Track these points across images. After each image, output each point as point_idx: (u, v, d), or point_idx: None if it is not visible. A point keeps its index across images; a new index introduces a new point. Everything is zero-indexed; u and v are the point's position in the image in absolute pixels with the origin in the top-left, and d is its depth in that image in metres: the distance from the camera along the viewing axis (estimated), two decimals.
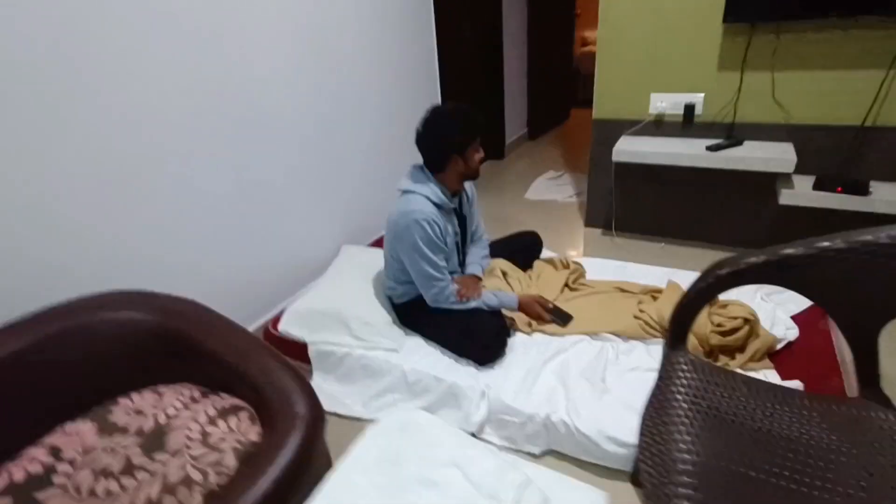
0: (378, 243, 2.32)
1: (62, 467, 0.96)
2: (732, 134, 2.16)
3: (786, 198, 1.99)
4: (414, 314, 1.71)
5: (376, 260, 1.90)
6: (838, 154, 2.02)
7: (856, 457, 0.81)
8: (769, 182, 2.13)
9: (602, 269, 2.02)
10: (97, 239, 1.32)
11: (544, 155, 4.05)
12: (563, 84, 4.89)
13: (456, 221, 1.69)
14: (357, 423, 1.53)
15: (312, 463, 0.99)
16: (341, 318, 1.68)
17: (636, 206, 2.50)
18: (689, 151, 2.12)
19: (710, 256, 2.20)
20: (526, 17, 4.05)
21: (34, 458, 0.96)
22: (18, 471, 0.94)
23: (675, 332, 1.02)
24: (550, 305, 1.70)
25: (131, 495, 0.90)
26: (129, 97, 1.35)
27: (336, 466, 0.95)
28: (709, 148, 2.10)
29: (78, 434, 1.03)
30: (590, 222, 2.69)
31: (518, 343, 1.62)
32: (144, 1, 1.34)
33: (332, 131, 2.13)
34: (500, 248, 1.98)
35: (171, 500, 0.90)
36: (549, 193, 3.19)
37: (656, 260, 2.29)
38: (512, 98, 4.05)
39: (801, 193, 1.97)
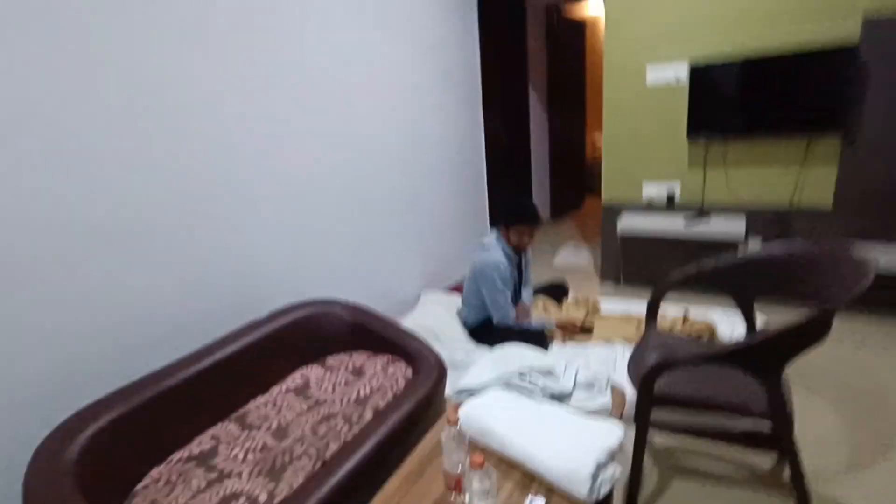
0: (455, 289, 3.16)
1: (313, 383, 1.76)
2: (702, 211, 3.03)
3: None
4: (482, 331, 2.51)
5: (453, 301, 2.74)
6: (777, 223, 2.85)
7: None
8: (732, 244, 2.95)
9: (611, 306, 2.81)
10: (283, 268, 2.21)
11: (565, 232, 4.96)
12: (577, 176, 5.93)
13: (516, 272, 2.54)
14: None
15: (442, 387, 1.76)
16: (434, 334, 2.48)
17: (637, 263, 3.32)
18: (672, 226, 2.99)
19: (687, 299, 2.97)
20: (547, 126, 5.17)
21: (299, 376, 1.78)
22: (295, 379, 1.75)
23: (649, 315, 1.82)
24: (578, 325, 2.49)
25: (336, 400, 1.69)
26: (300, 164, 2.30)
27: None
28: (686, 222, 2.96)
29: (313, 371, 1.84)
30: (604, 277, 3.50)
31: (555, 349, 2.39)
32: (301, 73, 2.34)
33: (419, 196, 3.06)
34: (541, 291, 2.81)
35: (358, 406, 1.68)
36: (571, 260, 4.04)
37: None
38: (538, 188, 5.06)
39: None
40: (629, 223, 3.14)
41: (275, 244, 2.10)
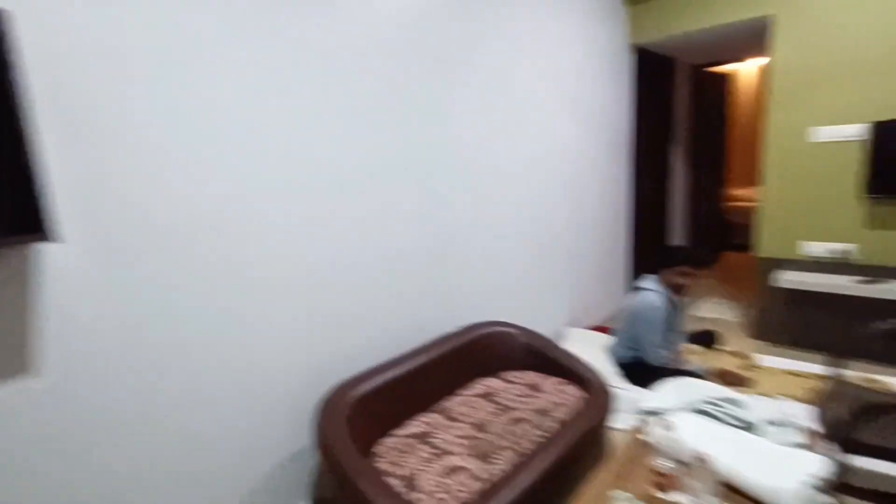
0: (597, 328, 3.30)
1: (496, 391, 2.03)
2: (876, 274, 2.86)
3: None
4: (636, 370, 2.60)
5: (596, 339, 2.90)
6: None
7: None
8: None
9: (768, 362, 2.75)
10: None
11: (705, 287, 4.83)
12: (715, 231, 5.75)
13: (671, 315, 2.63)
14: None
15: (612, 408, 1.91)
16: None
17: (797, 324, 3.18)
18: (841, 285, 2.86)
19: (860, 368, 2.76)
20: (687, 180, 5.17)
21: (482, 385, 2.05)
22: (480, 387, 2.03)
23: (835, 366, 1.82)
24: (740, 377, 2.48)
25: (522, 407, 1.91)
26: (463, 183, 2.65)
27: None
28: (860, 282, 2.83)
29: (493, 382, 2.11)
30: (756, 335, 3.39)
31: None
32: (511, 143, 2.70)
33: (575, 242, 3.30)
34: (692, 338, 2.85)
35: (544, 416, 1.88)
36: (716, 313, 3.95)
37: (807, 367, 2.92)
38: (677, 239, 5.03)
39: None
40: (791, 278, 3.06)
41: (467, 273, 2.48)
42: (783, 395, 2.38)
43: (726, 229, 6.03)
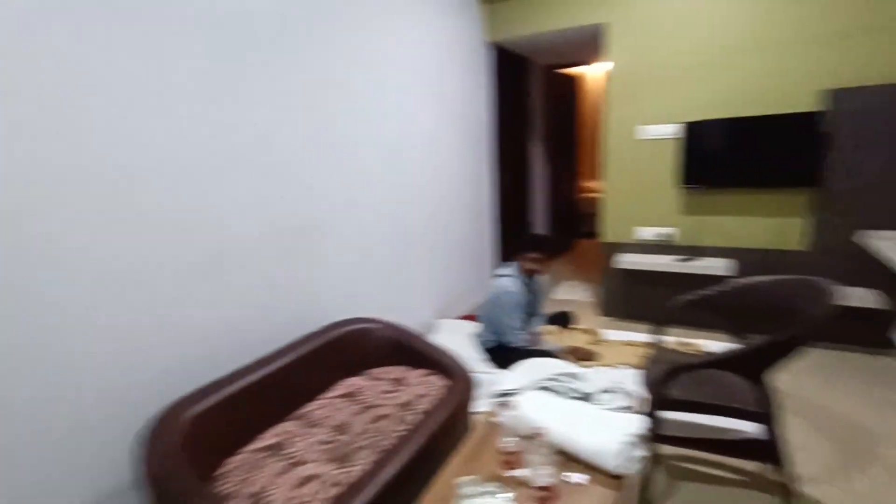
0: (465, 318, 3.41)
1: (360, 390, 1.97)
2: (692, 252, 3.37)
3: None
4: (499, 354, 2.74)
5: (465, 328, 2.99)
6: (759, 265, 3.19)
7: None
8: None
9: (613, 334, 3.08)
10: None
11: (560, 271, 5.27)
12: (569, 221, 6.32)
13: (529, 299, 2.81)
14: None
15: (474, 393, 1.99)
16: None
17: (634, 298, 3.62)
18: (666, 263, 3.31)
19: (681, 333, 3.24)
20: (544, 173, 5.59)
21: (346, 385, 1.99)
22: (342, 388, 1.96)
23: (656, 334, 2.09)
24: (587, 351, 2.74)
25: (385, 404, 1.90)
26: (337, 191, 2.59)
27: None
28: (678, 260, 3.29)
29: (358, 381, 2.05)
30: (602, 311, 3.79)
31: None
32: (369, 134, 2.65)
33: (440, 234, 3.35)
34: (550, 319, 3.07)
35: (407, 409, 1.89)
36: (569, 295, 4.33)
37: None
38: (537, 228, 5.41)
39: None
40: (628, 259, 3.46)
41: (328, 268, 2.37)
42: (623, 363, 2.68)
43: (579, 218, 6.65)
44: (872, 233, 2.81)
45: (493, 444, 1.40)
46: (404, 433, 1.67)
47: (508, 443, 1.33)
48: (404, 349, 2.20)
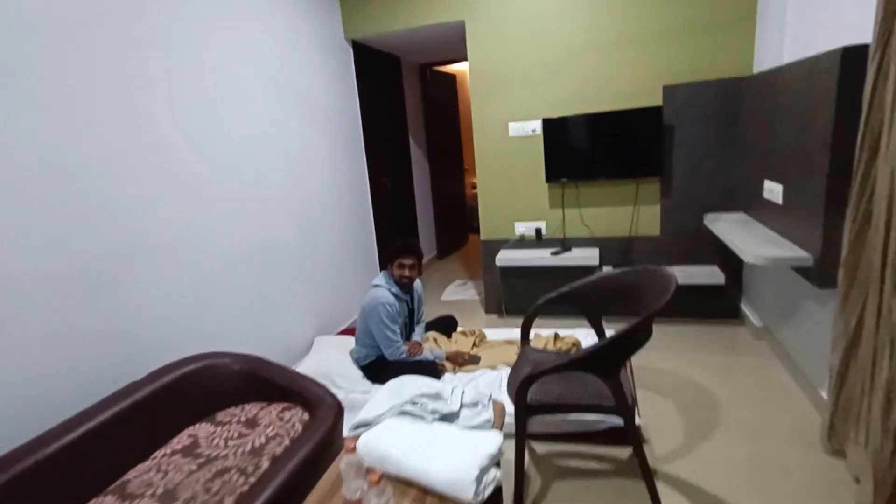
0: (346, 332, 3.21)
1: (202, 440, 1.71)
2: (564, 245, 3.48)
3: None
4: (375, 371, 2.59)
5: (345, 343, 2.80)
6: (623, 252, 3.38)
7: None
8: (589, 270, 3.41)
9: (496, 334, 3.08)
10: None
11: (452, 269, 5.26)
12: (459, 218, 6.36)
13: (406, 308, 2.69)
14: None
15: (339, 427, 1.82)
16: (329, 376, 2.51)
17: (515, 293, 3.67)
18: (541, 257, 3.39)
19: (558, 324, 3.35)
20: (429, 172, 5.54)
21: (185, 436, 1.71)
22: (186, 437, 1.68)
23: (522, 337, 2.07)
24: (466, 355, 2.69)
25: (230, 454, 1.68)
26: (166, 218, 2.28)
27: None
28: (552, 254, 3.38)
29: (201, 429, 1.78)
30: (488, 310, 3.80)
31: (447, 379, 2.56)
32: (192, 132, 2.35)
33: (310, 246, 3.11)
34: (432, 325, 2.98)
35: (254, 457, 1.68)
36: (458, 295, 4.31)
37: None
38: (424, 227, 5.34)
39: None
40: (505, 256, 3.49)
41: (160, 301, 2.02)
42: (504, 362, 2.67)
43: (470, 213, 6.73)
44: (710, 215, 3.08)
45: (343, 481, 1.25)
46: (246, 489, 1.46)
47: (353, 488, 1.19)
48: (259, 383, 1.96)
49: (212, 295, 2.32)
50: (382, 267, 2.64)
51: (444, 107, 5.83)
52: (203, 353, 2.01)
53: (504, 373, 2.55)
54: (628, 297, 1.97)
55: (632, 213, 3.31)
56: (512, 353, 2.72)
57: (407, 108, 4.94)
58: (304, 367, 2.63)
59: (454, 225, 6.14)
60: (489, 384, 2.44)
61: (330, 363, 2.65)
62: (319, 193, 3.26)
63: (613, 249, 3.40)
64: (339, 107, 3.53)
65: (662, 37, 3.02)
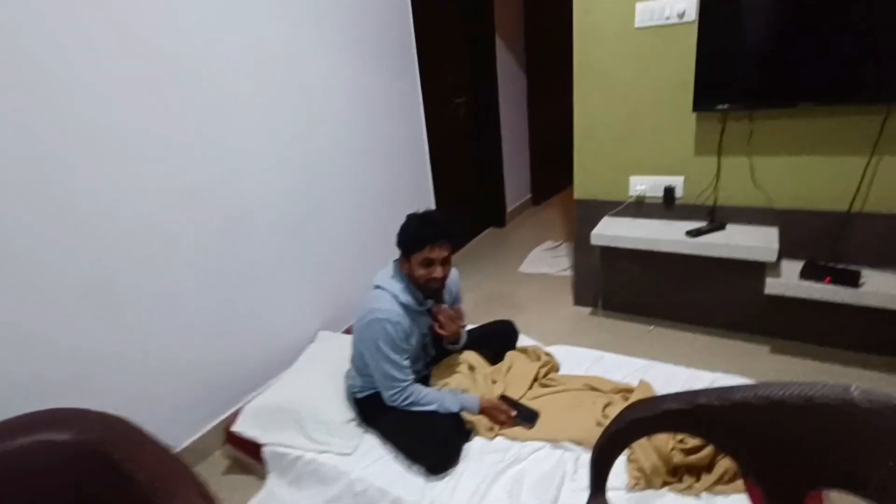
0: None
1: None
2: (714, 217, 2.09)
3: (771, 287, 1.88)
4: (372, 410, 1.66)
5: (349, 348, 1.88)
6: (828, 238, 1.91)
7: None
8: (757, 266, 2.01)
9: (578, 359, 1.92)
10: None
11: (547, 222, 4.03)
12: (567, 149, 4.91)
13: (426, 324, 1.67)
14: None
15: None
16: (297, 418, 1.65)
17: (624, 285, 2.42)
18: (669, 237, 2.06)
19: (697, 342, 2.11)
20: (526, 89, 4.15)
21: None
22: None
23: (595, 477, 0.94)
24: (512, 411, 1.62)
25: None
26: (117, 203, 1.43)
27: None
28: (689, 233, 2.03)
29: None
30: (579, 301, 2.61)
31: (475, 449, 1.54)
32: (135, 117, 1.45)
33: (312, 219, 2.18)
34: (473, 339, 1.91)
35: None
36: (543, 266, 3.14)
37: (641, 343, 2.20)
38: (514, 164, 4.08)
39: (788, 283, 1.86)
40: (608, 230, 2.22)
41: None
42: (576, 438, 1.55)
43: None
44: None
45: None
46: None
47: None
48: (109, 482, 1.14)
49: (174, 279, 1.52)
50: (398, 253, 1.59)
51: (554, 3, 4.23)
52: (41, 411, 1.22)
53: (576, 455, 1.46)
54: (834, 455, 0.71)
55: (864, 168, 1.78)
56: (596, 413, 1.59)
57: (495, 6, 3.53)
58: (277, 393, 1.78)
59: (558, 159, 4.73)
60: (541, 484, 1.38)
61: (312, 391, 1.77)
62: (335, 128, 2.24)
63: (808, 233, 1.94)
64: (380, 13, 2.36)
65: None
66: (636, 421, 0.89)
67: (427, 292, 1.61)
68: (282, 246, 2.04)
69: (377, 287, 1.59)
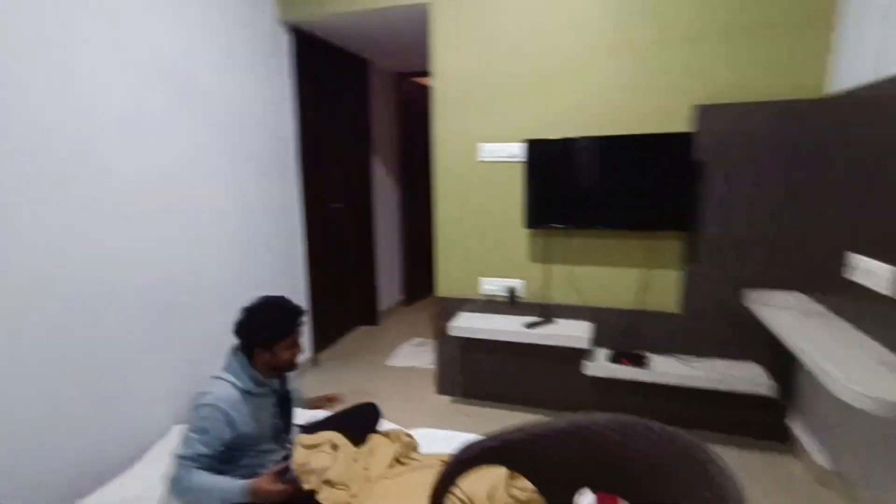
0: None
1: None
2: (547, 313, 2.55)
3: (588, 369, 2.32)
4: None
5: None
6: (626, 330, 2.44)
7: None
8: (579, 353, 2.45)
9: (435, 439, 2.09)
10: None
11: (417, 321, 4.30)
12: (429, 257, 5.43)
13: (275, 401, 1.72)
14: None
15: None
16: None
17: (480, 374, 2.71)
18: (512, 328, 2.44)
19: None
20: (399, 199, 4.65)
21: None
22: None
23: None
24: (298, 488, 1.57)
25: None
26: None
27: None
28: (526, 325, 2.44)
29: None
30: (442, 390, 2.83)
31: None
32: None
33: (179, 311, 2.18)
34: (337, 421, 1.98)
35: None
36: (411, 360, 3.34)
37: (494, 425, 2.43)
38: (387, 266, 4.42)
39: (600, 366, 2.31)
40: (464, 323, 2.55)
41: None
42: None
43: None
44: (755, 293, 2.15)
45: None
46: None
47: None
48: None
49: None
50: (238, 348, 1.67)
51: (425, 125, 4.98)
52: None
53: None
54: (620, 469, 1.02)
55: (642, 278, 2.39)
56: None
57: (372, 122, 4.09)
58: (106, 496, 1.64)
59: (428, 263, 5.19)
60: None
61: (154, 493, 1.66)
62: (222, 226, 2.36)
63: (613, 326, 2.46)
64: (253, 104, 2.65)
65: (696, 39, 2.17)
66: (461, 460, 1.10)
67: (279, 373, 1.69)
68: (143, 336, 2.00)
69: (218, 378, 1.59)
